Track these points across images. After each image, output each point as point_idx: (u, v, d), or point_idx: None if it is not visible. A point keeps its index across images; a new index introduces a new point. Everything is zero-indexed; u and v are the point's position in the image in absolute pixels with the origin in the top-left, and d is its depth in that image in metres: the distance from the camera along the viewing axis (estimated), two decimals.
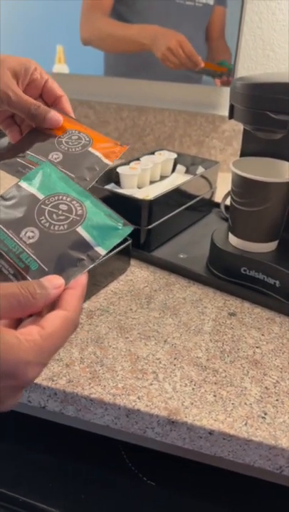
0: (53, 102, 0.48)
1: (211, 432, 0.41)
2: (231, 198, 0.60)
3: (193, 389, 0.45)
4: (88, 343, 0.50)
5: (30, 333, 0.28)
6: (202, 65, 1.00)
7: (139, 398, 0.43)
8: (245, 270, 0.60)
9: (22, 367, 0.27)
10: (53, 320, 0.29)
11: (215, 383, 0.46)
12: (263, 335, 0.53)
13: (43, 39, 1.32)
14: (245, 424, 0.42)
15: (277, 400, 0.44)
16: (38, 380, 0.45)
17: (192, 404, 0.43)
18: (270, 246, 0.61)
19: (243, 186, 0.57)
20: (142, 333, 0.52)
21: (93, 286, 0.58)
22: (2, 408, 0.29)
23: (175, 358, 0.49)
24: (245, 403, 0.44)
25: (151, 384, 0.45)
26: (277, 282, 0.58)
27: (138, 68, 1.15)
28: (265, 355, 0.50)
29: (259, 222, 0.59)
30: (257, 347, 0.51)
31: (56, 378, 0.45)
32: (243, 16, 0.90)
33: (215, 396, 0.44)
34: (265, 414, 0.43)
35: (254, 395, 0.45)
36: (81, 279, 0.32)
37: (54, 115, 0.45)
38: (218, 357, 0.49)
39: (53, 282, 0.31)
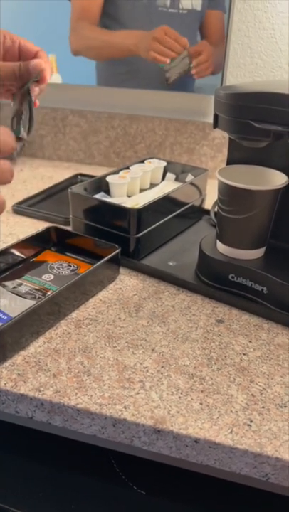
0: (32, 59, 0.51)
1: (196, 441, 0.41)
2: (218, 205, 0.61)
3: (179, 397, 0.45)
4: (76, 353, 0.50)
5: None
6: (187, 45, 1.02)
7: (125, 407, 0.44)
8: (233, 277, 0.60)
9: None
10: None
11: (202, 391, 0.46)
12: (250, 342, 0.53)
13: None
14: (231, 432, 0.42)
15: (263, 407, 0.44)
16: (24, 391, 0.45)
17: (178, 412, 0.43)
18: (258, 253, 0.61)
19: (229, 194, 0.58)
20: (130, 342, 0.52)
21: (82, 296, 0.58)
22: None
23: (162, 367, 0.49)
24: (231, 411, 0.44)
25: (138, 393, 0.45)
26: (265, 289, 0.58)
27: (127, 77, 1.16)
28: (252, 362, 0.50)
29: (246, 230, 0.59)
30: (244, 354, 0.51)
31: (43, 389, 0.45)
32: (230, 24, 0.91)
33: (201, 404, 0.45)
34: (251, 421, 0.43)
35: (240, 402, 0.45)
36: None
37: (36, 62, 0.49)
38: (206, 364, 0.49)
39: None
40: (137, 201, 0.74)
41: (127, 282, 0.63)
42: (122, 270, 0.66)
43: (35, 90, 0.50)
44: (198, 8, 1.35)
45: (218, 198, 0.60)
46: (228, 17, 0.90)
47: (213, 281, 0.62)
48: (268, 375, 0.48)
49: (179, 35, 1.04)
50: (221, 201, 0.59)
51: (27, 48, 0.50)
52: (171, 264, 0.68)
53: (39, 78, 0.49)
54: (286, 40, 0.89)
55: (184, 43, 1.04)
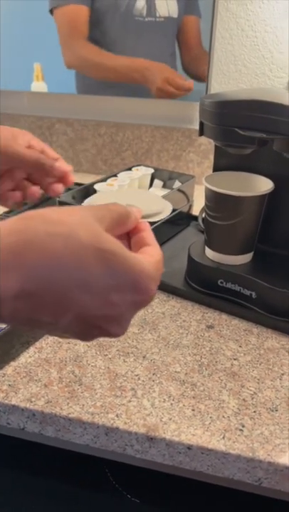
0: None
1: (189, 447, 0.42)
2: (205, 212, 0.61)
3: (171, 404, 0.45)
4: (67, 362, 0.50)
5: (145, 257, 0.30)
6: (192, 87, 1.05)
7: (117, 416, 0.44)
8: (222, 282, 0.61)
9: (147, 280, 0.28)
10: (155, 251, 0.32)
11: (193, 397, 0.46)
12: (240, 346, 0.54)
13: (21, 57, 1.33)
14: (223, 437, 0.42)
15: (254, 412, 0.45)
16: (16, 402, 0.45)
17: (170, 419, 0.44)
18: (246, 258, 0.62)
19: (216, 201, 0.58)
20: (121, 350, 0.52)
21: None
22: (117, 330, 0.29)
23: (154, 374, 0.49)
24: (223, 416, 0.44)
25: (129, 401, 0.45)
26: (254, 293, 0.59)
27: (109, 85, 1.17)
28: (243, 366, 0.50)
29: (233, 236, 0.60)
30: (235, 359, 0.52)
31: (34, 399, 0.45)
32: (213, 32, 0.92)
33: (193, 410, 0.45)
34: (243, 426, 0.43)
35: (232, 407, 0.45)
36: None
37: (62, 164, 0.49)
38: (197, 371, 0.50)
39: (133, 207, 0.34)
40: None
41: None
42: None
43: (58, 188, 0.50)
44: (175, 15, 1.36)
45: (206, 204, 0.61)
46: (212, 25, 0.91)
47: (203, 287, 0.62)
48: (258, 380, 0.49)
49: (181, 83, 1.07)
50: (208, 207, 0.60)
51: (49, 152, 0.49)
52: None
53: (60, 179, 0.49)
54: (268, 48, 0.90)
55: (189, 87, 1.06)
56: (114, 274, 0.27)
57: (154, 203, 0.42)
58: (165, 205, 0.42)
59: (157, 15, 1.34)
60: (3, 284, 0.24)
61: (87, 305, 0.27)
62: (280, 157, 0.55)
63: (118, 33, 1.24)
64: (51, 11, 1.27)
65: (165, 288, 0.64)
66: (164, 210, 0.41)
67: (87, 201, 0.42)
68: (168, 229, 0.78)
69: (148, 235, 0.34)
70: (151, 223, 0.34)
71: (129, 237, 0.34)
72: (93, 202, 0.39)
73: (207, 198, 0.60)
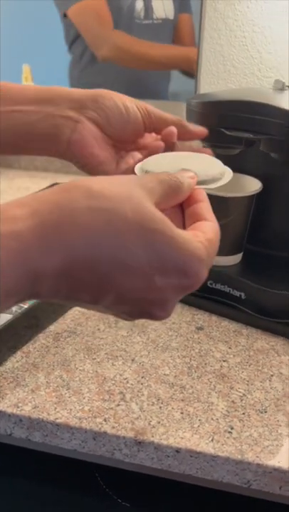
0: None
1: (178, 450, 0.41)
2: None
3: (160, 407, 0.45)
4: (55, 367, 0.49)
5: (197, 234, 0.28)
6: None
7: (105, 420, 0.43)
8: (211, 284, 0.61)
9: (196, 264, 0.26)
10: (209, 227, 0.30)
11: (182, 400, 0.46)
12: (230, 348, 0.53)
13: (9, 58, 1.32)
14: (212, 440, 0.42)
15: (243, 414, 0.45)
16: (2, 407, 0.44)
17: (159, 423, 0.43)
18: (235, 258, 0.62)
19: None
20: (110, 353, 0.52)
21: (60, 308, 0.58)
22: (161, 314, 0.27)
23: (142, 377, 0.49)
24: (212, 418, 0.44)
25: (118, 405, 0.45)
26: (243, 294, 0.58)
27: (103, 88, 1.17)
28: (232, 368, 0.50)
29: (222, 236, 0.59)
30: (224, 360, 0.51)
31: (21, 405, 0.44)
32: (202, 32, 0.92)
33: (182, 413, 0.44)
34: (232, 428, 0.43)
35: (221, 409, 0.45)
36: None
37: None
38: (186, 373, 0.49)
39: (187, 174, 0.32)
40: None
41: None
42: None
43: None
44: (171, 17, 1.36)
45: None
46: (200, 25, 0.91)
47: None
48: (247, 381, 0.48)
49: None
50: None
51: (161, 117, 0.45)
52: None
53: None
54: (257, 48, 0.90)
55: None
56: (160, 256, 0.25)
57: (212, 167, 0.38)
58: (224, 169, 0.39)
59: (154, 17, 1.34)
60: (45, 263, 0.23)
61: (129, 288, 0.25)
62: (267, 157, 0.55)
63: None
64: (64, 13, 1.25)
65: None
66: (224, 176, 0.38)
67: (139, 166, 0.39)
68: None
69: (204, 206, 0.31)
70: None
71: (183, 208, 0.32)
72: (146, 166, 0.37)
73: None
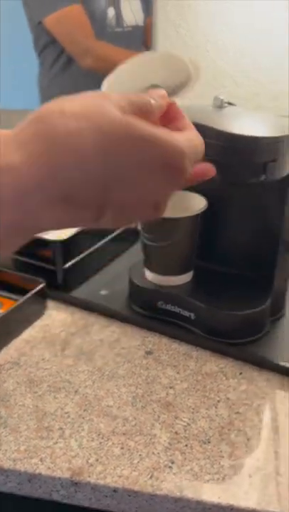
0: None
1: (115, 490, 0.40)
2: (141, 233, 0.60)
3: (100, 443, 0.44)
4: None
5: (175, 133, 0.28)
6: None
7: (41, 460, 0.42)
8: (162, 304, 0.59)
9: (179, 156, 0.27)
10: (188, 128, 0.31)
11: (124, 434, 0.44)
12: (178, 373, 0.52)
13: None
14: (151, 476, 0.40)
15: (186, 446, 0.43)
16: None
17: (97, 460, 0.42)
18: (185, 277, 0.60)
19: (150, 223, 0.57)
20: (53, 385, 0.50)
21: (6, 336, 0.56)
22: (155, 214, 0.29)
23: (85, 410, 0.47)
24: (153, 453, 0.43)
25: (56, 443, 0.43)
26: (192, 315, 0.57)
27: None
28: (178, 395, 0.49)
29: (170, 256, 0.59)
30: (171, 387, 0.50)
31: None
32: (155, 43, 0.91)
33: (122, 448, 0.43)
34: (172, 463, 0.42)
35: (163, 442, 0.44)
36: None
37: None
38: (130, 403, 0.48)
39: (157, 93, 0.31)
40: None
41: (56, 317, 0.61)
42: (51, 304, 0.63)
43: None
44: (141, 23, 1.35)
45: (141, 226, 0.59)
46: (152, 35, 0.90)
47: (144, 309, 0.61)
48: (193, 409, 0.47)
49: None
50: (144, 229, 0.58)
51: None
52: (103, 293, 0.66)
53: None
54: (210, 56, 0.89)
55: None
56: (146, 158, 0.26)
57: (178, 71, 0.36)
58: (189, 70, 0.37)
59: (125, 25, 1.32)
60: (43, 196, 0.24)
61: (126, 197, 0.27)
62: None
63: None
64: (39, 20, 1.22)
65: (106, 312, 0.62)
66: (191, 78, 0.36)
67: (106, 85, 0.36)
68: (114, 247, 0.76)
69: (180, 121, 0.31)
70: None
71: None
72: (114, 86, 0.35)
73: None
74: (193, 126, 0.31)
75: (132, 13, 1.37)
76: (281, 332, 0.58)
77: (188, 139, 0.29)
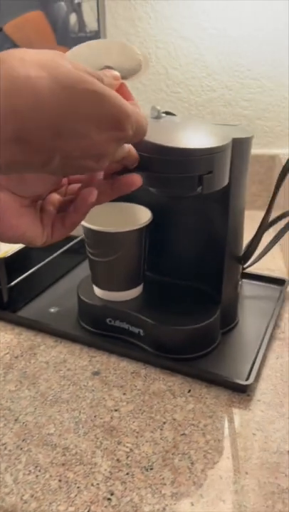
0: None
1: None
2: (86, 249, 0.58)
3: (37, 476, 0.41)
4: None
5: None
6: None
7: None
8: (110, 321, 0.58)
9: (125, 116, 0.30)
10: (136, 107, 0.33)
11: (63, 464, 0.42)
12: (124, 394, 0.50)
13: None
14: (88, 511, 0.38)
15: (127, 474, 0.41)
16: None
17: (32, 496, 0.40)
18: (134, 292, 0.59)
19: (93, 237, 0.55)
20: None
21: None
22: (97, 166, 0.32)
23: (23, 440, 0.45)
24: (92, 484, 0.41)
25: None
26: (141, 331, 0.56)
27: None
28: (123, 418, 0.47)
29: (116, 272, 0.57)
30: (116, 410, 0.48)
31: None
32: None
33: (60, 481, 0.41)
34: (112, 494, 0.40)
35: (103, 471, 0.42)
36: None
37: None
38: (72, 430, 0.46)
39: (110, 72, 0.33)
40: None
41: (1, 339, 0.59)
42: None
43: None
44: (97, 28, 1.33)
45: (85, 241, 0.57)
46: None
47: (92, 326, 0.59)
48: (137, 433, 0.45)
49: None
50: (88, 244, 0.57)
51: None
52: (52, 310, 0.64)
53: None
54: (162, 63, 0.88)
55: None
56: (96, 111, 0.29)
57: (130, 58, 0.40)
58: (139, 58, 0.41)
59: (87, 30, 1.31)
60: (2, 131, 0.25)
61: (73, 147, 0.29)
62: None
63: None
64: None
65: (53, 332, 0.60)
66: (142, 65, 0.41)
67: None
68: (66, 260, 0.74)
69: (129, 101, 0.33)
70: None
71: None
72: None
73: (85, 235, 0.56)
74: (140, 108, 0.34)
75: (94, 18, 1.35)
76: (233, 344, 0.57)
77: (134, 110, 0.32)
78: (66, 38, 1.27)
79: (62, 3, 1.29)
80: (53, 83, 0.26)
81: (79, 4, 1.33)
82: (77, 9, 1.34)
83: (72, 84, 0.27)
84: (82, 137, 0.29)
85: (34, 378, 0.52)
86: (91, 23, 1.33)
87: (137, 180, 0.40)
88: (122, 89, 0.34)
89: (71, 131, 0.28)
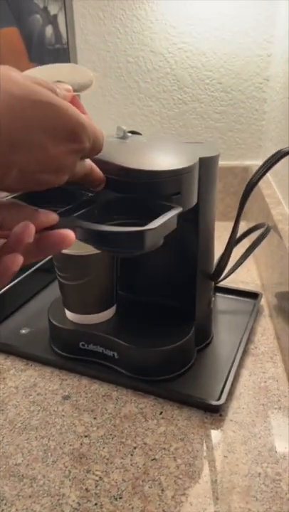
0: None
1: None
2: (56, 272, 0.57)
3: (2, 510, 0.40)
4: None
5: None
6: None
7: None
8: (83, 345, 0.57)
9: (80, 128, 0.30)
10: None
11: (29, 496, 0.41)
12: (95, 418, 0.49)
13: None
14: None
15: (96, 505, 0.41)
16: None
17: None
18: (107, 314, 0.58)
19: (61, 261, 0.54)
20: None
21: None
22: (56, 181, 0.31)
23: None
24: None
25: None
26: (116, 354, 0.55)
27: None
28: (93, 445, 0.46)
29: (88, 295, 0.56)
30: (86, 436, 0.47)
31: None
32: (75, 60, 0.89)
33: None
34: None
35: (71, 502, 0.41)
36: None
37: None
38: (40, 459, 0.45)
39: (63, 85, 0.34)
40: None
41: None
42: None
43: None
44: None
45: (54, 263, 0.56)
46: (69, 59, 0.88)
47: (65, 351, 0.58)
48: (107, 459, 0.45)
49: None
50: (57, 267, 0.56)
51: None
52: (24, 331, 0.63)
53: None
54: (133, 78, 0.88)
55: None
56: (51, 124, 0.28)
57: (82, 76, 0.42)
58: (91, 76, 0.43)
59: (63, 41, 1.30)
60: None
61: (29, 160, 0.28)
62: None
63: (38, 62, 1.18)
64: None
65: (25, 355, 0.59)
66: (92, 82, 0.42)
67: None
68: (40, 277, 0.73)
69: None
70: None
71: None
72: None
73: (54, 258, 0.56)
74: (91, 121, 0.34)
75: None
76: (208, 361, 0.57)
77: (90, 122, 0.32)
78: (43, 51, 1.26)
79: (38, 16, 1.29)
80: (7, 96, 0.26)
81: (55, 16, 1.33)
82: (53, 21, 1.34)
83: (25, 95, 0.27)
84: (38, 149, 0.28)
85: (3, 404, 0.51)
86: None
87: (68, 236, 0.32)
88: (74, 102, 0.35)
89: (26, 143, 0.27)
